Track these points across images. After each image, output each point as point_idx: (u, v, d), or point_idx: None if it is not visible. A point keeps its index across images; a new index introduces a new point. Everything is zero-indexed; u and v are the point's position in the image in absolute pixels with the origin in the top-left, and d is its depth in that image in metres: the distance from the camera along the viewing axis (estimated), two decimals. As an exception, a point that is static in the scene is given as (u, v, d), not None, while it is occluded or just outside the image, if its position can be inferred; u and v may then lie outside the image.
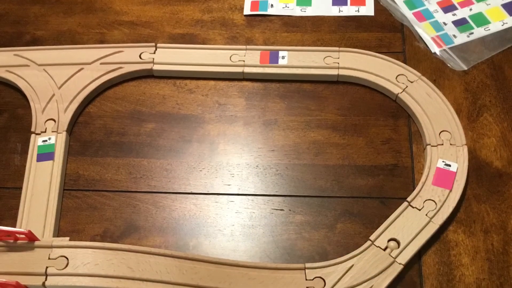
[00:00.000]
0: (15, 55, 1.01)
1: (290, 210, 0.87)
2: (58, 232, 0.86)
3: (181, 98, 0.98)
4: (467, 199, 0.86)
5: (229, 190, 0.89)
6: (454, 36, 1.01)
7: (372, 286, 0.77)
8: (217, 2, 1.09)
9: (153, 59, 1.00)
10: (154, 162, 0.92)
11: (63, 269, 0.74)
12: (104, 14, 1.08)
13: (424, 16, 1.04)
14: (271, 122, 0.94)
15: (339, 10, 1.06)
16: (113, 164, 0.92)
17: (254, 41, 1.03)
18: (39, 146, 0.91)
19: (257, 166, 0.90)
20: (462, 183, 0.85)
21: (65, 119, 0.94)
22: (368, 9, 1.06)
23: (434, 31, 1.02)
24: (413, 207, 0.83)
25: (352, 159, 0.90)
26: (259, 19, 1.06)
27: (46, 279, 0.73)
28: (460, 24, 1.02)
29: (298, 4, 1.07)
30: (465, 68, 0.97)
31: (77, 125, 0.96)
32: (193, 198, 0.88)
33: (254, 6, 1.07)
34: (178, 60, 1.00)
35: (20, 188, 0.88)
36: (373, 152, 0.91)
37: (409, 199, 0.84)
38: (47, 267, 0.74)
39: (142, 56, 1.00)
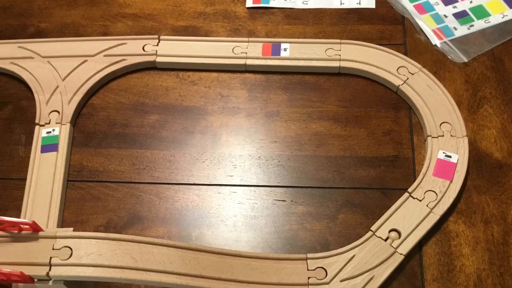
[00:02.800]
0: (19, 47, 1.01)
1: (292, 201, 0.86)
2: (62, 223, 0.85)
3: (184, 90, 0.97)
4: (468, 190, 0.85)
5: (232, 181, 0.88)
6: (455, 28, 1.00)
7: (373, 276, 0.77)
8: (220, -6, 1.08)
9: (156, 51, 0.99)
10: (157, 154, 0.91)
11: (67, 259, 0.73)
12: (107, 7, 1.07)
13: (424, 8, 1.03)
14: (273, 113, 0.93)
15: (341, 2, 1.05)
16: (117, 155, 0.91)
17: (256, 33, 1.02)
18: (43, 138, 0.91)
19: (259, 157, 0.90)
20: (463, 174, 0.85)
21: (69, 110, 0.93)
22: (369, 2, 1.04)
23: (435, 23, 1.01)
24: (414, 198, 0.83)
25: (354, 151, 0.89)
26: (261, 12, 1.05)
27: (50, 269, 0.72)
28: (461, 16, 1.01)
29: (300, -4, 1.06)
30: (466, 60, 0.97)
31: (81, 117, 0.95)
32: (196, 189, 0.88)
33: (256, -2, 1.06)
34: (181, 52, 0.99)
35: (25, 179, 0.87)
36: (374, 143, 0.90)
37: (410, 190, 0.83)
38: (51, 258, 0.73)
39: (145, 48, 1.00)
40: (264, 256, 0.78)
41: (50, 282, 0.72)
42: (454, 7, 1.03)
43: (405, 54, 0.98)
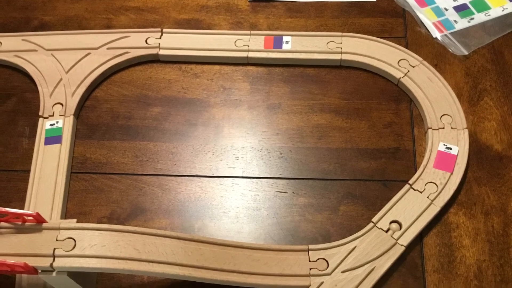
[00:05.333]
0: (23, 40, 1.00)
1: (293, 192, 0.85)
2: (65, 214, 0.85)
3: (187, 82, 0.96)
4: (468, 181, 0.84)
5: (234, 173, 0.87)
6: (455, 21, 0.99)
7: (374, 267, 0.76)
8: (222, -12, 1.07)
9: (159, 44, 0.98)
10: (160, 146, 0.90)
11: (70, 250, 0.72)
12: (110, 0, 1.06)
13: (425, 1, 1.02)
14: (275, 106, 0.93)
15: (342, -5, 1.04)
16: (120, 147, 0.90)
17: (259, 26, 1.01)
18: (47, 130, 0.90)
19: (261, 149, 0.89)
20: (463, 166, 0.84)
21: (73, 103, 0.93)
22: (370, -5, 1.04)
23: (435, 16, 1.00)
24: (414, 190, 0.82)
25: (355, 143, 0.88)
26: (263, 5, 1.04)
27: (53, 260, 0.71)
28: (461, 9, 1.01)
29: (301, -10, 1.05)
30: (466, 53, 0.96)
31: (84, 109, 0.94)
32: (198, 180, 0.87)
33: (258, -9, 1.05)
34: (183, 45, 0.98)
35: (28, 171, 0.87)
36: (375, 135, 0.89)
37: (410, 181, 0.83)
38: (54, 249, 0.72)
39: (148, 41, 0.99)
40: (266, 247, 0.77)
41: (54, 273, 0.71)
42: (455, 0, 1.01)
43: (406, 47, 0.97)
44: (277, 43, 0.97)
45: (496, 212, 0.82)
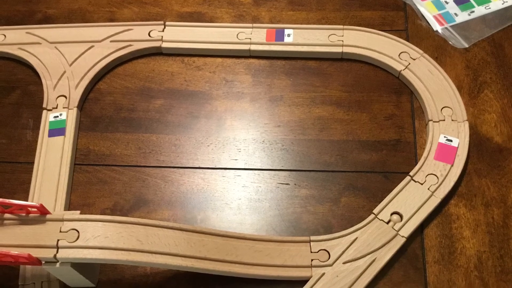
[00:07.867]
0: (27, 33, 0.99)
1: (295, 184, 0.84)
2: (69, 206, 0.84)
3: (189, 75, 0.95)
4: (468, 173, 0.83)
5: (236, 164, 0.86)
6: (456, 14, 0.98)
7: (375, 259, 0.75)
8: (224, -19, 1.06)
9: (162, 37, 0.97)
10: (163, 138, 0.89)
11: (74, 241, 0.71)
12: (113, -7, 1.05)
13: (426, -6, 1.01)
14: (277, 98, 0.92)
15: (343, -11, 1.03)
16: (123, 139, 0.89)
17: (261, 19, 1.00)
18: (50, 122, 0.89)
19: (263, 141, 0.88)
20: (463, 158, 0.83)
21: (76, 95, 0.92)
22: (371, -12, 1.02)
23: (436, 9, 0.99)
24: (415, 181, 0.81)
25: (356, 135, 0.87)
26: (265, -2, 1.03)
27: (57, 252, 0.70)
28: (462, 2, 1.00)
29: (303, -17, 1.04)
30: (466, 45, 0.95)
31: (88, 101, 0.93)
32: (201, 172, 0.86)
33: (260, -15, 1.04)
34: (186, 38, 0.97)
35: (32, 163, 0.86)
36: (377, 127, 0.88)
37: (411, 173, 0.82)
38: (58, 240, 0.71)
39: (151, 34, 0.98)
40: (268, 238, 0.77)
41: (57, 264, 0.71)
42: (455, -7, 1.01)
43: (407, 39, 0.96)
44: (279, 36, 0.96)
45: (496, 203, 0.81)
